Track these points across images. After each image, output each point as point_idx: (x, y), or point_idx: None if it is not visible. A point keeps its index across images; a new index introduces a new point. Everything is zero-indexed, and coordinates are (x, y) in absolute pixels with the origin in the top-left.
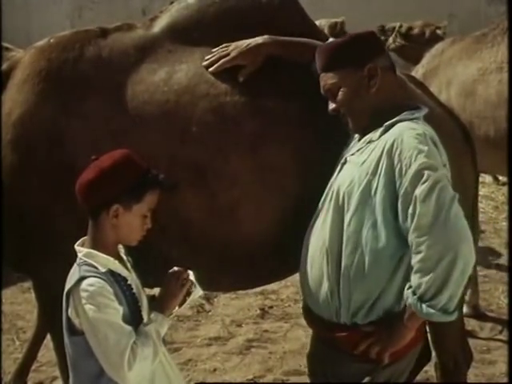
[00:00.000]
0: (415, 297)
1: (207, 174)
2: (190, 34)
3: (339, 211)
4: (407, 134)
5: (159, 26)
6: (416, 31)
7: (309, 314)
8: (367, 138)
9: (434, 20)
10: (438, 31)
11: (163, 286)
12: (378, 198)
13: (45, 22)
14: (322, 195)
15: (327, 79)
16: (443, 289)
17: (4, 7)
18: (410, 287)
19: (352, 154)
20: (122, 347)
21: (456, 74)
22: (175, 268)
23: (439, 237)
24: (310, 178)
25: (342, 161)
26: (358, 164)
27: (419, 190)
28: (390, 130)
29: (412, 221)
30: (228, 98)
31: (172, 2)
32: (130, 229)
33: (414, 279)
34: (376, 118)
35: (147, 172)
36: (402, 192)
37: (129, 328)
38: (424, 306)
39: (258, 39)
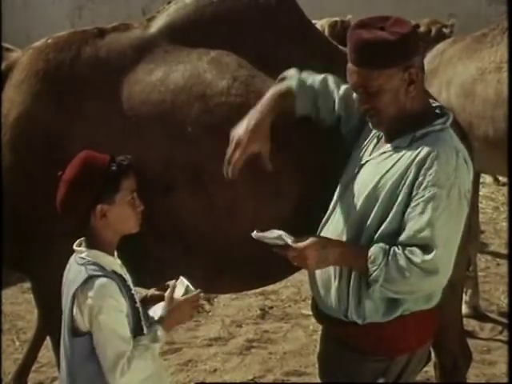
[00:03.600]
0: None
1: (203, 175)
2: (188, 34)
3: (359, 214)
4: (442, 151)
5: (156, 26)
6: (422, 29)
7: (318, 311)
8: (395, 143)
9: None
10: (444, 29)
11: (175, 305)
12: (398, 208)
13: (45, 22)
14: (320, 196)
15: (368, 76)
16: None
17: (4, 7)
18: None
19: (373, 157)
20: (120, 353)
21: (456, 73)
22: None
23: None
24: (308, 179)
25: (362, 162)
26: (381, 169)
27: (425, 218)
28: (422, 140)
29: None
30: (224, 98)
31: (169, 2)
32: (123, 219)
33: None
34: (407, 123)
35: (112, 162)
36: (412, 205)
37: (129, 335)
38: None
39: (252, 116)
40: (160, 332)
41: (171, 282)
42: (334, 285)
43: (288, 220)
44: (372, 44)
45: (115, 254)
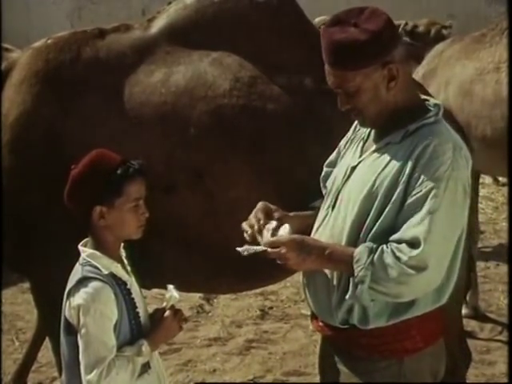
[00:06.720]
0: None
1: (205, 176)
2: (188, 35)
3: (358, 216)
4: (438, 144)
5: (157, 26)
6: (421, 30)
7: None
8: (385, 141)
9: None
10: (444, 31)
11: (160, 321)
12: (393, 205)
13: (45, 23)
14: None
15: (343, 77)
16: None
17: (4, 8)
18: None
19: (364, 158)
20: (100, 358)
21: (454, 74)
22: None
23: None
24: (309, 180)
25: (353, 164)
26: (376, 168)
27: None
28: (416, 134)
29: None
30: (226, 100)
31: (170, 3)
32: (122, 224)
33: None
34: (395, 118)
35: (120, 165)
36: (408, 201)
37: (112, 343)
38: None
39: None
40: (145, 347)
41: (166, 296)
42: (336, 290)
43: None
44: (342, 45)
45: (123, 254)
